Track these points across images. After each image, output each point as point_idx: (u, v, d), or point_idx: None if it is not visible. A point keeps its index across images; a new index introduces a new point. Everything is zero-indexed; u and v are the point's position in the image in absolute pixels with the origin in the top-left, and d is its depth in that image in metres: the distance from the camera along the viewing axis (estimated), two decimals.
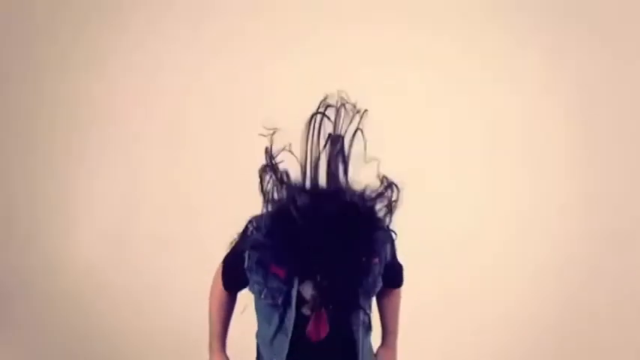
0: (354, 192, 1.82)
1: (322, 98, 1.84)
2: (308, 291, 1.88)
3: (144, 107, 3.75)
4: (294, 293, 1.87)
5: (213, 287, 2.12)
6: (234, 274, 1.99)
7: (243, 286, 1.99)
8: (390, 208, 1.86)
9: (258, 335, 2.05)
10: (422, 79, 3.54)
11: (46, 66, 3.78)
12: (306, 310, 1.90)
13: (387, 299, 2.18)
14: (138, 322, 3.57)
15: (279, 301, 1.88)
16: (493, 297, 3.44)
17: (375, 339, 2.14)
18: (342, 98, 1.85)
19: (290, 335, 1.90)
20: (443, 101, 3.56)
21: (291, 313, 1.88)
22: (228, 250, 2.01)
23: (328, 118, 1.83)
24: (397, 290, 2.20)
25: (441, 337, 3.34)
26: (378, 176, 1.87)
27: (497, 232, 3.48)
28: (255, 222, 1.89)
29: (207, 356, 2.17)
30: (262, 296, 1.90)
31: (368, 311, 1.98)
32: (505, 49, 3.56)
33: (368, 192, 1.84)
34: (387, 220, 1.88)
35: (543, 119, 3.52)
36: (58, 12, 3.78)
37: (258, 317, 2.01)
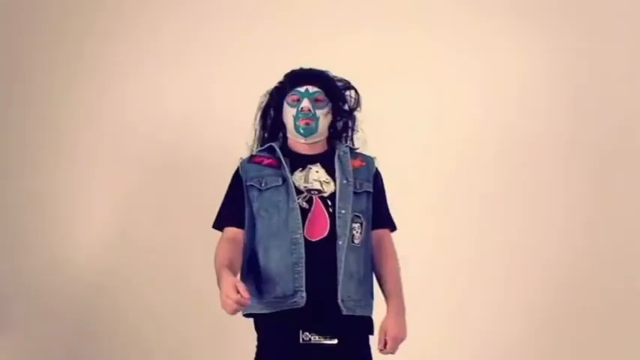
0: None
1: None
2: (300, 182, 2.04)
3: (144, 108, 3.75)
4: (288, 174, 2.03)
5: (217, 245, 2.11)
6: (230, 204, 2.13)
7: (242, 215, 2.06)
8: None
9: (260, 241, 2.05)
10: (422, 79, 3.54)
11: (47, 67, 3.78)
12: (302, 202, 2.00)
13: (380, 249, 2.16)
14: (138, 322, 3.57)
15: (280, 182, 2.02)
16: (493, 297, 3.43)
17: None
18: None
19: (298, 210, 1.98)
20: (442, 101, 3.56)
21: (293, 190, 2.00)
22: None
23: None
24: (388, 237, 2.20)
25: (441, 336, 3.34)
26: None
27: (498, 232, 3.47)
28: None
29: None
30: (263, 185, 2.04)
31: (363, 216, 2.08)
32: (505, 49, 3.56)
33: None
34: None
35: (543, 119, 3.52)
36: (58, 11, 3.79)
37: (259, 225, 2.05)
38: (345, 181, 2.05)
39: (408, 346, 2.10)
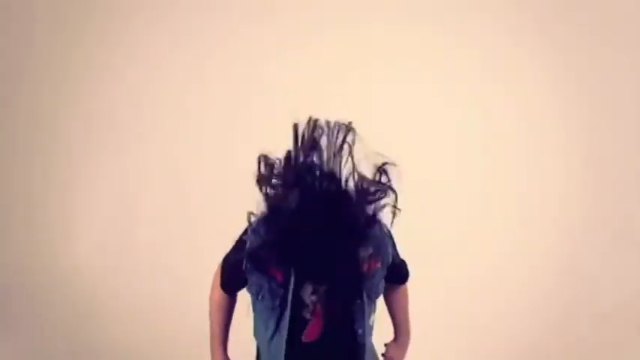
0: (352, 194, 1.82)
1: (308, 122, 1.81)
2: (308, 294, 1.88)
3: (145, 108, 3.75)
4: (289, 297, 1.86)
5: (212, 289, 2.11)
6: (232, 275, 1.99)
7: (242, 287, 1.99)
8: (384, 207, 1.87)
9: (255, 336, 2.04)
10: (422, 79, 3.55)
11: (46, 68, 3.78)
12: (306, 314, 1.90)
13: (393, 295, 2.16)
14: (137, 324, 3.56)
15: (277, 304, 1.88)
16: (493, 297, 3.44)
17: (380, 337, 2.13)
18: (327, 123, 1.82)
19: (285, 337, 1.89)
20: (443, 101, 3.57)
21: (287, 316, 1.88)
22: (228, 251, 2.02)
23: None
24: (403, 287, 2.17)
25: (441, 336, 3.34)
26: (376, 175, 1.86)
27: (498, 232, 3.47)
28: (255, 224, 1.89)
29: (208, 357, 2.17)
30: (259, 298, 1.90)
31: (372, 314, 1.98)
32: (505, 49, 3.56)
33: (367, 192, 1.84)
34: (386, 221, 1.89)
35: (543, 119, 3.52)
36: (58, 12, 3.78)
37: (255, 318, 2.00)
38: (358, 301, 1.93)
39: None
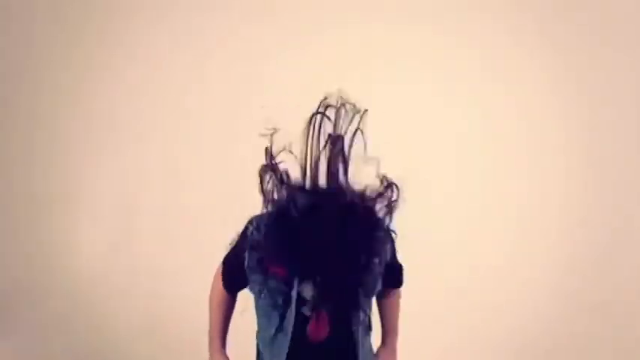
0: (354, 192, 1.82)
1: (322, 98, 1.84)
2: (308, 291, 1.88)
3: (145, 108, 3.75)
4: (294, 294, 1.86)
5: (213, 287, 2.11)
6: (234, 274, 1.99)
7: (243, 286, 1.99)
8: (390, 208, 1.87)
9: (258, 335, 2.04)
10: (421, 79, 3.54)
11: (46, 68, 3.78)
12: (306, 311, 1.89)
13: (387, 299, 2.17)
14: (137, 324, 3.57)
15: (279, 302, 1.88)
16: (494, 297, 3.44)
17: (376, 339, 2.14)
18: (341, 98, 1.85)
19: (290, 335, 1.89)
20: (443, 101, 3.56)
21: (291, 314, 1.88)
22: (228, 250, 2.02)
23: (328, 118, 1.83)
24: (397, 290, 2.19)
25: (441, 337, 3.34)
26: (378, 176, 1.87)
27: (498, 232, 3.47)
28: (255, 222, 1.89)
29: (208, 357, 2.17)
30: (262, 296, 1.90)
31: (368, 312, 1.98)
32: (505, 49, 3.56)
33: (368, 192, 1.85)
34: (387, 219, 1.89)
35: (543, 119, 3.52)
36: (58, 12, 3.78)
37: (258, 317, 2.00)
38: (355, 298, 1.91)
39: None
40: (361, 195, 1.83)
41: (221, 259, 2.07)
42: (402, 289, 2.20)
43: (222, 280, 2.07)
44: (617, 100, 3.49)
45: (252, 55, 3.62)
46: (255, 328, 2.04)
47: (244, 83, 3.58)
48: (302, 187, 1.80)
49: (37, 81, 3.78)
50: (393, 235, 2.00)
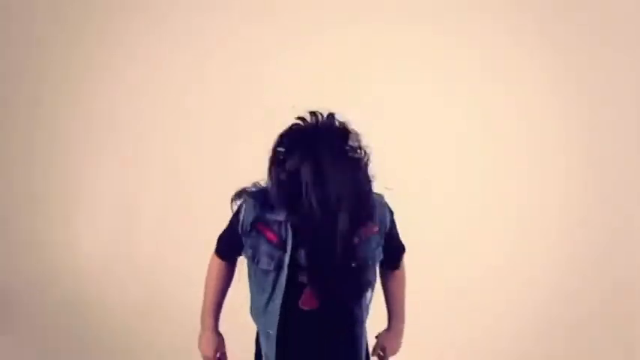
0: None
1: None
2: (303, 257, 1.86)
3: (145, 108, 3.75)
4: (286, 258, 1.85)
5: (210, 262, 2.10)
6: (229, 239, 1.99)
7: (238, 253, 1.98)
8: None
9: (251, 307, 2.02)
10: (421, 79, 3.55)
11: (46, 68, 3.78)
12: (302, 277, 1.88)
13: (391, 283, 2.14)
14: (138, 324, 3.56)
15: (272, 266, 1.88)
16: (494, 297, 3.44)
17: (377, 325, 2.13)
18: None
19: (281, 301, 1.88)
20: (443, 101, 3.57)
21: (283, 279, 1.87)
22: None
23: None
24: (400, 272, 2.14)
25: (441, 337, 3.34)
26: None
27: (498, 232, 3.47)
28: (253, 192, 1.89)
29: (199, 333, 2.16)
30: (255, 261, 1.90)
31: (373, 282, 1.95)
32: (505, 49, 3.56)
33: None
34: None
35: (543, 119, 3.52)
36: (58, 12, 3.78)
37: (250, 286, 2.00)
38: (353, 267, 1.87)
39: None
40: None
41: None
42: (403, 266, 2.16)
43: (217, 246, 2.06)
44: (617, 100, 3.49)
45: (252, 55, 3.62)
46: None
47: (244, 83, 3.58)
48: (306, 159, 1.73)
49: (37, 81, 3.78)
50: (389, 206, 1.99)
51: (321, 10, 3.62)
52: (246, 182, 1.92)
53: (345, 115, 1.84)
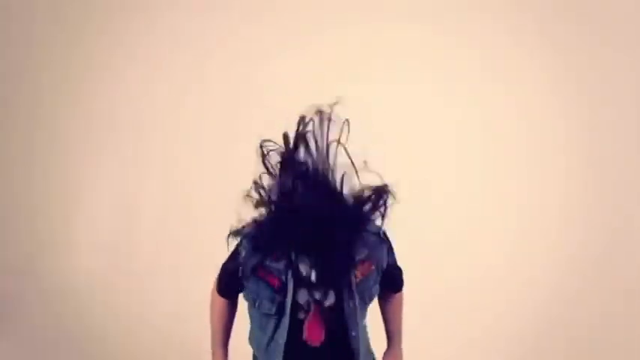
0: (345, 196, 1.79)
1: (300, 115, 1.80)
2: (303, 296, 1.88)
3: (145, 108, 3.75)
4: (288, 303, 1.87)
5: (212, 295, 2.12)
6: (230, 281, 1.99)
7: (240, 292, 2.00)
8: (382, 213, 1.84)
9: (251, 340, 2.05)
10: (421, 79, 3.55)
11: (46, 68, 3.78)
12: (301, 315, 1.90)
13: (389, 303, 2.16)
14: (137, 324, 3.56)
15: (273, 311, 1.89)
16: (494, 297, 3.44)
17: (378, 344, 2.13)
18: (321, 112, 1.81)
19: (284, 341, 1.90)
20: (443, 101, 3.57)
21: (286, 322, 1.89)
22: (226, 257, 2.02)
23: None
24: (398, 294, 2.18)
25: (440, 337, 3.34)
26: (364, 186, 1.83)
27: (498, 232, 3.48)
28: (250, 231, 1.85)
29: (209, 357, 2.17)
30: (256, 305, 1.91)
31: (365, 316, 1.98)
32: (505, 49, 3.56)
33: (360, 194, 1.81)
34: (380, 222, 1.85)
35: (543, 119, 3.52)
36: (58, 12, 3.78)
37: (252, 324, 2.02)
38: (350, 305, 1.91)
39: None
40: (354, 198, 1.80)
41: (221, 259, 2.07)
42: (403, 289, 2.18)
43: (218, 286, 2.07)
44: (617, 100, 3.49)
45: (252, 55, 3.62)
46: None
47: (244, 83, 3.59)
48: (296, 196, 1.76)
49: (37, 81, 3.78)
50: (389, 240, 2.00)
51: (321, 10, 3.62)
52: (246, 182, 1.92)
53: (345, 115, 1.83)
